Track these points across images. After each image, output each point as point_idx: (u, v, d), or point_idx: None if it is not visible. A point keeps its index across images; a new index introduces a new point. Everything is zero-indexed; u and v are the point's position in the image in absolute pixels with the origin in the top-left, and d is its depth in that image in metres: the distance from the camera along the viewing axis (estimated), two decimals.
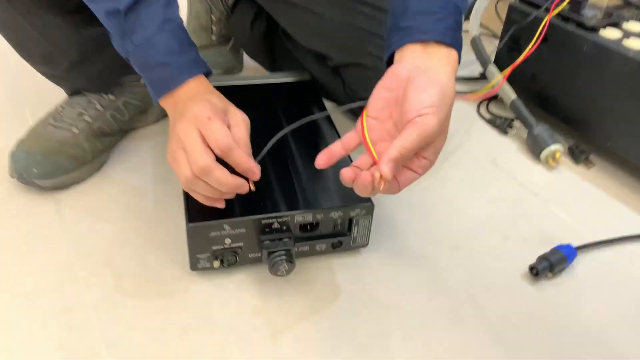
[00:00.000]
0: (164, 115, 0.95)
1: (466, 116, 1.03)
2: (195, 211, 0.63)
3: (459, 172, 0.89)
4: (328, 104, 0.93)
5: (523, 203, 0.84)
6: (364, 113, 0.55)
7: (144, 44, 0.60)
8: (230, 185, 0.58)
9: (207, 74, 0.64)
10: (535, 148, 0.92)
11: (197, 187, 0.59)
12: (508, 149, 0.95)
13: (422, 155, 0.53)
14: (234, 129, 0.60)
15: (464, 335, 0.64)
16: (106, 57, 0.77)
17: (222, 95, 0.63)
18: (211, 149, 0.57)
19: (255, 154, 0.62)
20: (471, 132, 0.99)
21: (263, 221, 0.64)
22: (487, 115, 1.03)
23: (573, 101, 0.93)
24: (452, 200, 0.83)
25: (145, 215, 0.77)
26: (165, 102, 0.63)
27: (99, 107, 0.83)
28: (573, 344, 0.64)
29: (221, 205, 0.61)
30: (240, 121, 0.61)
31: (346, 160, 0.61)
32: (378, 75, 0.56)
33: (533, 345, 0.63)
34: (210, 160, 0.56)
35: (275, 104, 0.84)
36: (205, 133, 0.57)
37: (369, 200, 0.67)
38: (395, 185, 0.53)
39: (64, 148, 0.79)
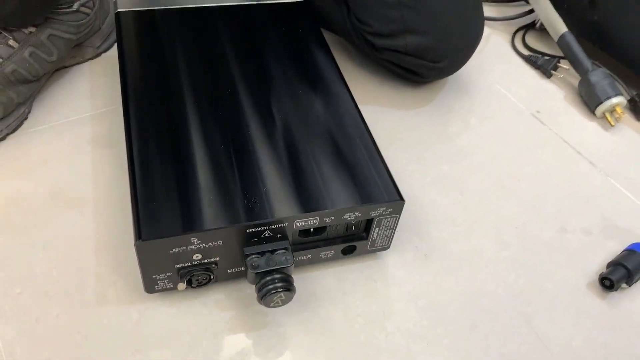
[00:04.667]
0: (110, 44, 0.72)
1: (496, 50, 0.82)
2: (149, 217, 0.43)
3: (490, 126, 0.69)
4: (328, 34, 0.70)
5: (578, 175, 0.65)
6: None
7: None
8: None
9: None
10: (590, 99, 0.72)
11: None
12: (553, 98, 0.75)
13: None
14: None
15: None
16: None
17: None
18: None
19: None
20: (504, 73, 0.78)
21: (249, 230, 0.45)
22: (525, 51, 0.82)
23: None
24: (482, 167, 0.64)
25: (80, 200, 0.57)
26: None
27: (12, 42, 0.60)
28: None
29: None
30: None
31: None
32: None
33: None
34: None
35: (258, 33, 0.61)
36: None
37: (396, 194, 0.48)
38: None
39: None
